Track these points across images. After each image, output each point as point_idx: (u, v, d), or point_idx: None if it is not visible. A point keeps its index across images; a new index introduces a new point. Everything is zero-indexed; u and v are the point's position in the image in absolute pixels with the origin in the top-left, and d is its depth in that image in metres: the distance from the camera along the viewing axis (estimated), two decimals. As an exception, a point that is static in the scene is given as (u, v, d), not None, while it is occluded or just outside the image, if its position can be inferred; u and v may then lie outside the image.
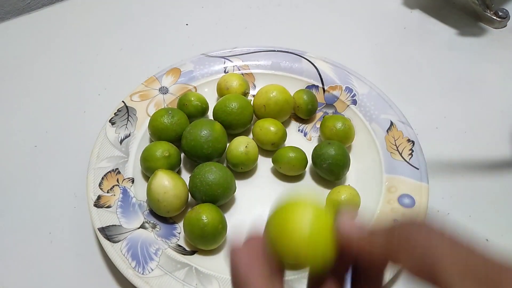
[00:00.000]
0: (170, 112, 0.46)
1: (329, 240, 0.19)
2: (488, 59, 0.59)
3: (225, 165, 0.45)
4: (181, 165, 0.46)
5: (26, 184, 0.46)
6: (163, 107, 0.50)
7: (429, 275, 0.16)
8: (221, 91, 0.50)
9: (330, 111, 0.51)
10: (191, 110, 0.48)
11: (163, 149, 0.43)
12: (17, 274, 0.39)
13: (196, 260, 0.38)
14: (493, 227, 0.42)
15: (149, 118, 0.47)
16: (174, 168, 0.43)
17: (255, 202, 0.44)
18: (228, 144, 0.45)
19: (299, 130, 0.51)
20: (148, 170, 0.43)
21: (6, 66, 0.59)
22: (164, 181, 0.40)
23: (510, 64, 0.58)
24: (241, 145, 0.44)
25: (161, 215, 0.41)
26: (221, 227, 0.38)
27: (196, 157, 0.44)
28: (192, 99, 0.48)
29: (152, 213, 0.41)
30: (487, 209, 0.44)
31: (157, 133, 0.45)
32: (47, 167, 0.48)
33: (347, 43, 0.61)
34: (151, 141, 0.47)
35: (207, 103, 0.49)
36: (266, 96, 0.48)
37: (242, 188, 0.44)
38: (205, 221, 0.37)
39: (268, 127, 0.46)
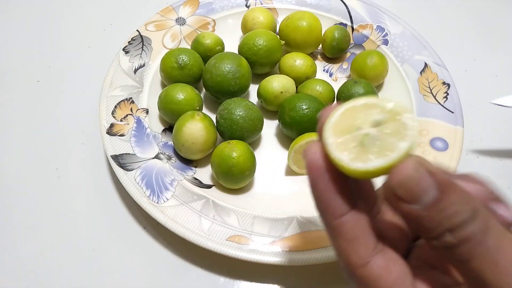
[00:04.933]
0: (180, 60, 0.41)
1: None
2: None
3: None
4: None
5: (29, 119, 0.43)
6: (180, 38, 0.47)
7: None
8: (247, 28, 0.47)
9: (358, 52, 0.48)
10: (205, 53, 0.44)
11: (187, 97, 0.39)
12: (25, 209, 0.37)
13: (213, 194, 0.36)
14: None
15: (165, 49, 0.45)
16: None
17: (279, 142, 0.42)
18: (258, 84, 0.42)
19: (324, 70, 0.47)
20: (171, 113, 0.39)
21: (6, 0, 0.55)
22: (197, 130, 0.36)
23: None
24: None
25: (185, 158, 0.38)
26: (248, 173, 0.36)
27: (220, 94, 0.40)
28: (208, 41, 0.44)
29: (168, 145, 0.39)
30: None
31: (171, 79, 0.42)
32: (51, 103, 0.45)
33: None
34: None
35: (223, 44, 0.45)
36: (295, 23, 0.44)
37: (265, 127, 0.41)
38: (235, 160, 0.34)
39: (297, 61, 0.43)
